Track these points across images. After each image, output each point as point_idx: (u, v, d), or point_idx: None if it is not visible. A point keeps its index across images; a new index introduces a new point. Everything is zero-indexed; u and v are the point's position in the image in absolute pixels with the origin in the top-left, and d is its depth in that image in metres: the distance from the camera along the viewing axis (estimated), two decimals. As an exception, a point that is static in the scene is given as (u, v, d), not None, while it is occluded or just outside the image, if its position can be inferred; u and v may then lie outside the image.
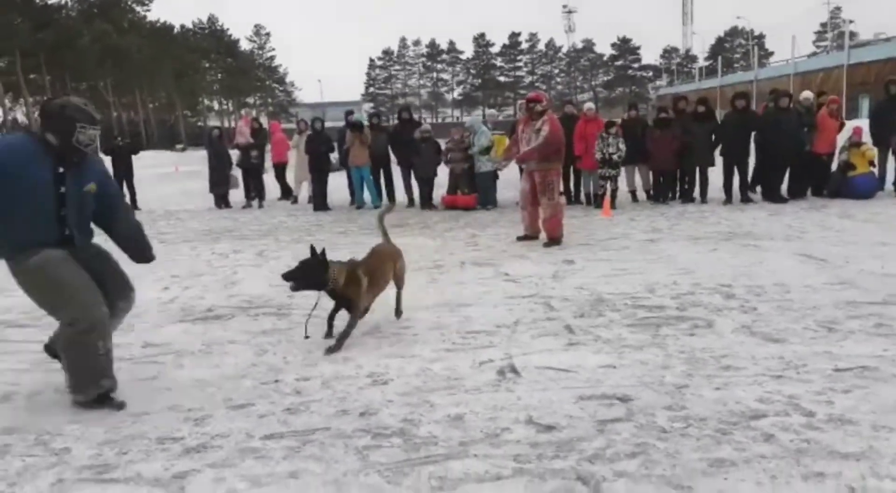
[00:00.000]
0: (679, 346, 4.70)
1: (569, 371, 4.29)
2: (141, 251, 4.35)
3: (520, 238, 9.15)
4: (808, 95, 12.79)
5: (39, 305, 3.99)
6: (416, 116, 18.36)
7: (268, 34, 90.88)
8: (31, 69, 44.65)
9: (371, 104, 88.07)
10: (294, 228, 11.12)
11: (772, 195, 12.00)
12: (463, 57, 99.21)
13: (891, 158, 12.32)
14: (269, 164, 15.70)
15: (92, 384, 3.88)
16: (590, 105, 13.25)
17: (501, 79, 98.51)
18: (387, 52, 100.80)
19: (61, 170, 3.83)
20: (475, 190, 12.77)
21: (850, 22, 63.38)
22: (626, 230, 9.69)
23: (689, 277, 6.69)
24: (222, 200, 14.54)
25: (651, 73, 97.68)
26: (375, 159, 13.31)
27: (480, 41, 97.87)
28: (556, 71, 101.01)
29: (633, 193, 12.86)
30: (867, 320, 5.11)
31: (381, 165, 13.50)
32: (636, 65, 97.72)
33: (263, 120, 30.23)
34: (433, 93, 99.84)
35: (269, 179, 15.51)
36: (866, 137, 12.24)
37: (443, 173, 13.21)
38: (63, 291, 3.84)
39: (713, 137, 11.93)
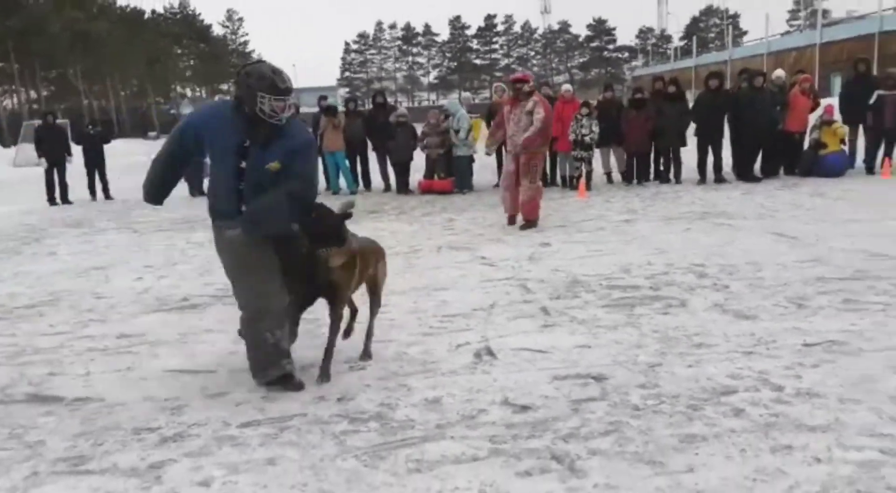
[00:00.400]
0: (653, 325, 4.76)
1: (544, 352, 4.33)
2: (264, 216, 3.77)
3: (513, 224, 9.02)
4: (780, 73, 12.89)
5: (226, 273, 4.02)
6: (391, 101, 18.25)
7: (241, 19, 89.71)
8: (-1, 57, 43.82)
9: (346, 89, 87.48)
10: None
11: (745, 174, 12.11)
12: (438, 40, 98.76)
13: (861, 135, 12.46)
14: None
15: (260, 371, 3.90)
16: (567, 87, 13.26)
17: (477, 62, 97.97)
18: (362, 36, 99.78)
19: (247, 143, 3.74)
20: (452, 174, 12.77)
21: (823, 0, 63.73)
22: (601, 212, 9.75)
23: (663, 257, 6.76)
24: (197, 189, 14.41)
25: (627, 54, 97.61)
26: (351, 144, 13.25)
27: (456, 24, 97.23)
28: (533, 53, 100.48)
29: (608, 174, 12.92)
30: (836, 295, 5.20)
31: (356, 151, 13.45)
32: (612, 46, 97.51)
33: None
34: (409, 77, 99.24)
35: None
36: (838, 116, 12.38)
37: (419, 158, 13.19)
38: (242, 273, 3.83)
39: (686, 117, 12.02)
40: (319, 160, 13.77)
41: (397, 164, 13.09)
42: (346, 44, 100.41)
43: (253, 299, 3.80)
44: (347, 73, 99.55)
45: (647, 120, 11.94)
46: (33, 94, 51.02)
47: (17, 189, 17.22)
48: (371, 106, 14.32)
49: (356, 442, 3.27)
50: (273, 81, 3.69)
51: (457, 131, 12.54)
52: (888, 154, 12.04)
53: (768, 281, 5.71)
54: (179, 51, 76.19)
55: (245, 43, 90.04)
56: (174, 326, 5.29)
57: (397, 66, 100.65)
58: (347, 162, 13.42)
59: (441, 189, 12.65)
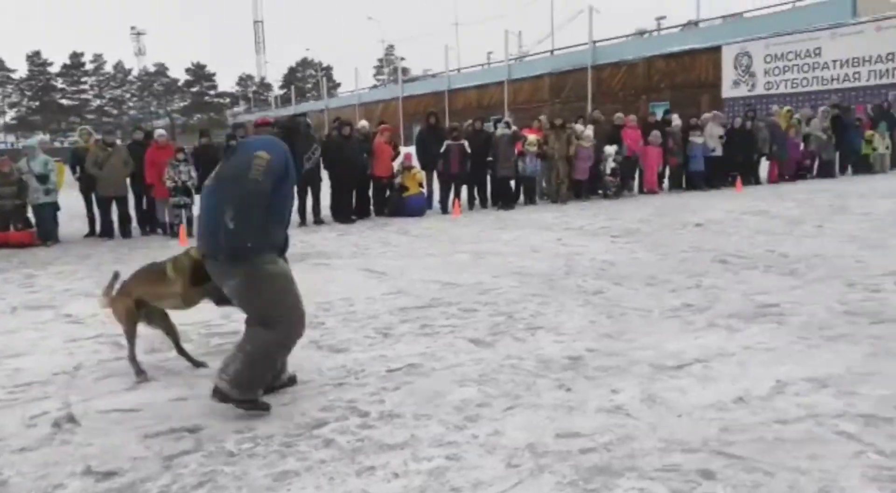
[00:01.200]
0: (251, 368, 4.80)
1: (136, 411, 4.09)
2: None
3: None
4: (364, 123, 14.11)
5: (248, 305, 4.00)
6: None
7: None
8: None
9: None
10: None
11: (341, 216, 12.93)
12: (15, 77, 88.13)
13: (435, 179, 14.16)
14: None
15: (258, 389, 4.00)
16: (161, 131, 12.81)
17: (64, 102, 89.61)
18: None
19: None
20: (31, 225, 11.44)
21: (402, 59, 71.32)
22: (203, 258, 9.56)
23: (263, 299, 6.86)
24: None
25: (228, 100, 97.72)
26: None
27: (35, 60, 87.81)
28: (128, 95, 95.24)
29: (210, 220, 12.74)
30: (415, 322, 5.81)
31: None
32: (212, 91, 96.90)
33: None
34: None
35: None
36: (416, 162, 13.93)
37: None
38: (288, 305, 4.01)
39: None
40: None
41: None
42: None
43: (294, 332, 4.06)
44: None
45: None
46: None
47: None
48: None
49: None
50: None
51: (40, 177, 11.31)
52: (457, 196, 13.88)
53: (360, 314, 6.15)
54: None
55: None
56: None
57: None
58: None
59: (19, 242, 11.24)
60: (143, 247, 9.38)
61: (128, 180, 12.15)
